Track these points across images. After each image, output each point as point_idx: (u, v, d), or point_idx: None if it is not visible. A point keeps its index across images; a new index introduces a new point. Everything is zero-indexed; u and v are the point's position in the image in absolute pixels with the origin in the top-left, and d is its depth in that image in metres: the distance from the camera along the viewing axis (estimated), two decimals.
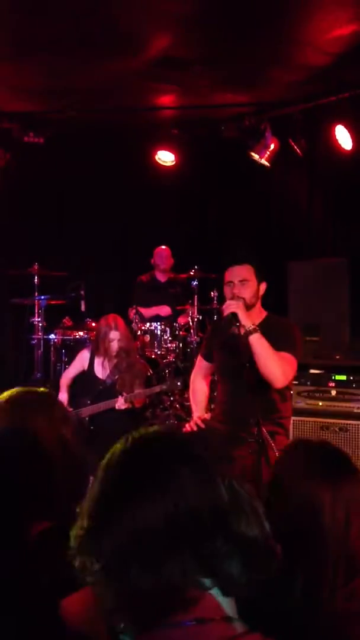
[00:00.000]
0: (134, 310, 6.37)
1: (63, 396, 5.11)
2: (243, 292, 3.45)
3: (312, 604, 1.41)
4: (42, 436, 1.65)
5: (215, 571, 0.98)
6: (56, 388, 5.43)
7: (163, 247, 6.94)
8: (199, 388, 3.91)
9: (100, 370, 4.93)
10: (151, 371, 5.96)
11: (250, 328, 3.26)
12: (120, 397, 4.68)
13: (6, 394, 1.88)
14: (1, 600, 1.33)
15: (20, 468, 1.54)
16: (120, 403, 4.66)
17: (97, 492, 1.02)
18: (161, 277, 6.97)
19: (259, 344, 3.27)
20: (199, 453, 1.05)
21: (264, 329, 3.51)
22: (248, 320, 3.28)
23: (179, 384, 4.99)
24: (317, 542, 1.45)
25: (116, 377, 4.88)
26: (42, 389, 2.06)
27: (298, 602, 1.41)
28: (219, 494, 1.00)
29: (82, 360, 5.09)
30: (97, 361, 4.95)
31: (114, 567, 0.95)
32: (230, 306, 3.30)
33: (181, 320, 6.63)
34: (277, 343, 3.37)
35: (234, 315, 3.33)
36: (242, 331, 3.27)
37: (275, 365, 3.31)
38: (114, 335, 4.83)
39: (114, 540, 0.96)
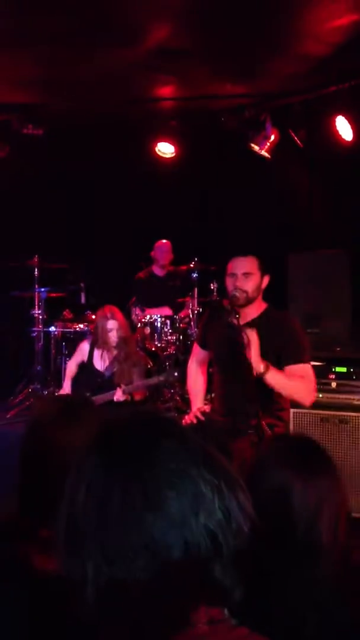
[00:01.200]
0: (133, 303, 6.37)
1: (67, 384, 5.13)
2: (246, 285, 3.44)
3: (279, 593, 1.43)
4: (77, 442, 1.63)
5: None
6: (57, 380, 5.46)
7: (164, 241, 6.92)
8: (197, 379, 3.91)
9: (100, 362, 4.94)
10: (151, 363, 5.96)
11: (262, 369, 3.23)
12: (118, 388, 4.69)
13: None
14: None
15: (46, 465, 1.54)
16: (119, 395, 4.66)
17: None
18: (159, 272, 6.96)
19: (275, 380, 3.27)
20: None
21: (263, 322, 3.51)
22: (259, 362, 3.23)
23: (176, 374, 5.00)
24: (285, 528, 1.48)
25: (115, 368, 4.88)
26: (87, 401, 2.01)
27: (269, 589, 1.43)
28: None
29: (81, 352, 5.10)
30: (97, 353, 4.96)
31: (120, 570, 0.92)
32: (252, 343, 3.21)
33: (182, 313, 6.62)
34: (284, 349, 3.39)
35: (233, 308, 3.33)
36: (255, 372, 3.21)
37: (298, 390, 3.37)
38: (112, 324, 4.83)
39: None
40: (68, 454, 1.52)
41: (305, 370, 3.41)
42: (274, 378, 3.26)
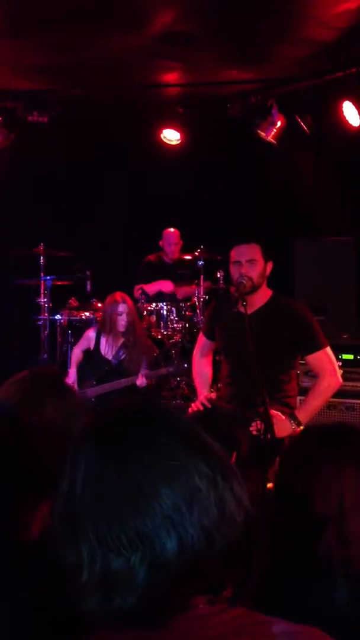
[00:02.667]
0: (140, 291, 6.36)
1: (72, 371, 5.13)
2: (251, 272, 3.44)
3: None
4: (50, 423, 1.62)
5: None
6: (63, 368, 5.46)
7: (171, 229, 6.86)
8: (202, 367, 3.92)
9: (107, 349, 4.93)
10: (157, 351, 5.95)
11: (298, 428, 3.29)
12: (141, 374, 4.67)
13: (22, 374, 1.84)
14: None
15: (22, 452, 1.52)
16: (142, 380, 4.65)
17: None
18: (168, 260, 6.93)
19: (311, 415, 3.40)
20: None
21: (271, 310, 3.50)
22: (289, 431, 3.30)
23: (185, 365, 4.98)
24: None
25: (122, 356, 4.87)
26: (55, 372, 1.99)
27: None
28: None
29: (88, 339, 5.09)
30: (103, 340, 4.95)
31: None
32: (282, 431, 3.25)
33: (186, 290, 6.60)
34: (298, 339, 3.46)
35: (240, 296, 3.33)
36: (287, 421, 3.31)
37: (327, 395, 3.49)
38: (122, 308, 4.82)
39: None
40: (38, 433, 1.54)
41: (323, 358, 3.45)
42: (309, 416, 3.37)
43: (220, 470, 0.98)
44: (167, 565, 0.91)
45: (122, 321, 4.84)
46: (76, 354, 5.19)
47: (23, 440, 1.51)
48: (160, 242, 6.91)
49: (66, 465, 1.00)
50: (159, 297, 6.62)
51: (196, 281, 6.59)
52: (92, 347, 5.03)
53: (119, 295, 4.91)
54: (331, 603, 1.42)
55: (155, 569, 0.91)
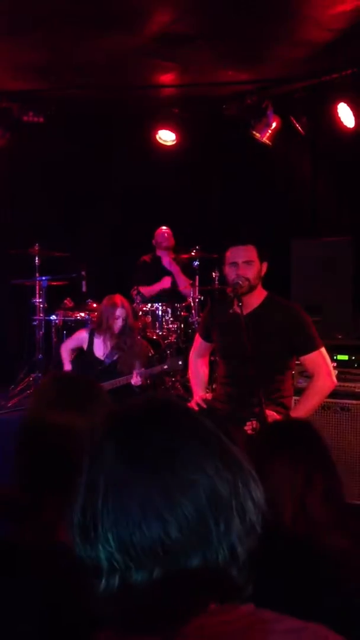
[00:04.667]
0: (135, 291, 6.36)
1: (68, 367, 5.12)
2: (248, 273, 3.44)
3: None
4: (77, 431, 1.61)
5: None
6: (58, 368, 5.44)
7: (164, 227, 6.90)
8: (198, 368, 3.91)
9: (100, 350, 4.92)
10: (152, 351, 5.95)
11: None
12: (135, 372, 4.68)
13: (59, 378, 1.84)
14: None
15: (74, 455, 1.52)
16: (137, 379, 4.66)
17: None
18: (164, 256, 6.94)
19: (306, 412, 3.39)
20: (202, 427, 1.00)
21: (266, 310, 3.51)
22: (276, 417, 3.28)
23: (180, 362, 4.98)
24: None
25: (115, 356, 4.87)
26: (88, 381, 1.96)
27: None
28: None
29: (79, 340, 5.08)
30: (97, 341, 4.94)
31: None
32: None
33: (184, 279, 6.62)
34: (294, 341, 3.45)
35: (236, 296, 3.34)
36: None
37: (322, 396, 3.49)
38: (120, 312, 4.82)
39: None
40: (67, 437, 1.53)
41: (318, 359, 3.46)
42: (304, 416, 3.34)
43: (241, 475, 0.96)
44: (189, 581, 0.89)
45: (118, 324, 4.84)
46: (66, 351, 5.19)
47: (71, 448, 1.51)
48: (153, 241, 6.92)
49: (85, 465, 0.97)
50: (157, 296, 6.61)
51: (191, 282, 6.59)
52: (85, 347, 5.02)
53: (118, 298, 4.90)
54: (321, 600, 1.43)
55: (178, 584, 0.89)
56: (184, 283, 6.67)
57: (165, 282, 6.66)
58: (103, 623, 0.94)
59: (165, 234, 6.84)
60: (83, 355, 5.05)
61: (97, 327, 4.96)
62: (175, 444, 0.95)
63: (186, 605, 0.90)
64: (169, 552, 0.89)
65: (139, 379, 4.68)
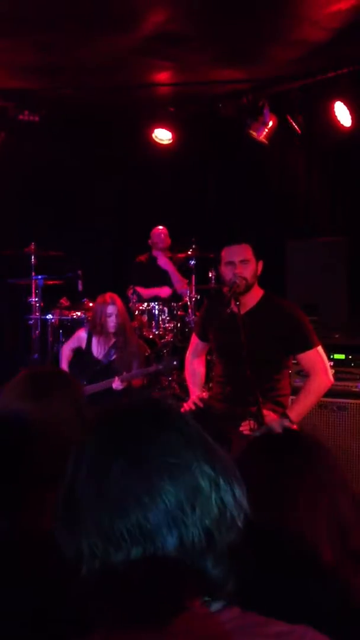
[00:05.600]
0: (131, 290, 6.35)
1: (64, 367, 5.11)
2: (245, 272, 3.44)
3: None
4: (58, 412, 1.63)
5: None
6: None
7: (160, 227, 6.90)
8: (195, 367, 3.91)
9: (98, 349, 4.92)
10: (149, 351, 5.95)
11: (286, 425, 3.28)
12: (116, 377, 4.67)
13: (25, 371, 1.86)
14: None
15: (36, 446, 1.52)
16: (117, 383, 4.65)
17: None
18: (160, 256, 6.93)
19: (303, 414, 3.40)
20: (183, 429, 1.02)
21: (263, 309, 3.51)
22: (273, 417, 3.30)
23: (175, 362, 4.98)
24: None
25: (113, 356, 4.87)
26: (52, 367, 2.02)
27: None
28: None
29: (78, 339, 5.08)
30: (95, 341, 4.94)
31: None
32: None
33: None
34: (290, 339, 3.45)
35: (233, 296, 3.34)
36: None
37: (319, 394, 3.49)
38: (112, 309, 4.82)
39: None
40: (43, 427, 1.54)
41: (315, 357, 3.46)
42: (300, 415, 3.37)
43: (223, 473, 0.99)
44: (167, 561, 0.92)
45: (111, 322, 4.83)
46: (65, 352, 5.18)
47: (33, 441, 1.51)
48: (149, 241, 6.92)
49: (70, 457, 1.01)
50: (154, 299, 6.61)
51: (187, 280, 6.59)
52: (83, 346, 5.01)
53: (108, 296, 4.91)
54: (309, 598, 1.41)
55: (155, 564, 0.92)
56: (180, 282, 6.67)
57: (164, 292, 6.66)
58: (92, 619, 0.95)
59: (162, 234, 6.83)
60: (81, 355, 5.04)
61: (92, 327, 4.96)
62: (158, 436, 0.99)
63: (169, 593, 0.92)
64: (146, 534, 0.92)
65: (119, 383, 4.66)
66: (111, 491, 0.94)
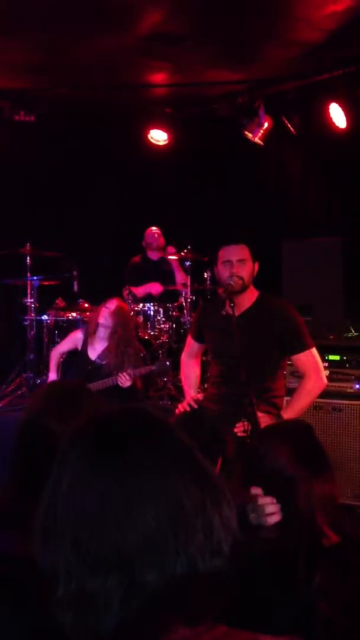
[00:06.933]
0: (127, 291, 6.34)
1: (52, 375, 5.09)
2: (242, 272, 3.44)
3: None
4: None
5: None
6: (49, 368, 5.43)
7: (153, 228, 6.90)
8: (190, 369, 3.91)
9: (93, 351, 4.92)
10: (144, 352, 5.94)
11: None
12: (123, 373, 4.64)
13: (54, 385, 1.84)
14: None
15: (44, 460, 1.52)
16: (124, 380, 4.62)
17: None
18: (153, 256, 6.93)
19: (297, 412, 3.39)
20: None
21: (259, 310, 3.51)
22: (267, 418, 3.27)
23: (167, 364, 4.97)
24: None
25: (105, 359, 4.86)
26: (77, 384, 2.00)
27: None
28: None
29: (74, 340, 5.07)
30: (91, 342, 4.93)
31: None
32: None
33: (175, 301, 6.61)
34: (285, 339, 3.45)
35: (228, 296, 3.33)
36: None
37: (313, 395, 3.48)
38: (108, 322, 4.81)
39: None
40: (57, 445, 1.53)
41: (309, 359, 3.46)
42: (295, 416, 3.36)
43: (211, 493, 0.93)
44: (145, 591, 0.86)
45: (102, 329, 4.83)
46: (55, 356, 5.16)
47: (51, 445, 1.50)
48: (143, 242, 6.92)
49: (54, 466, 0.96)
50: (149, 296, 6.61)
51: (183, 282, 6.59)
52: (79, 347, 5.01)
53: (112, 303, 4.88)
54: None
55: (133, 594, 0.86)
56: (182, 279, 6.66)
57: (155, 288, 6.65)
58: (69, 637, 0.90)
59: (155, 234, 6.84)
60: (76, 356, 5.03)
61: (90, 329, 4.95)
62: (143, 452, 0.93)
63: (148, 624, 0.86)
64: (124, 561, 0.86)
65: (126, 380, 4.65)
66: (89, 509, 0.89)
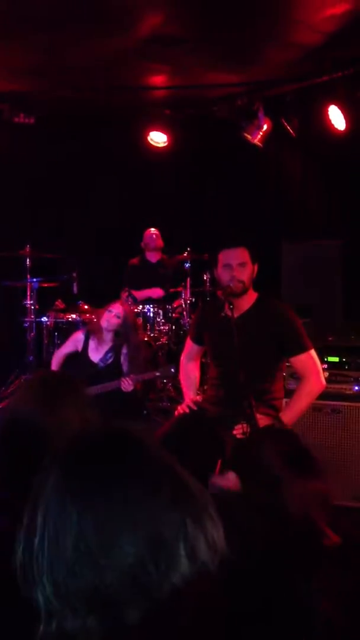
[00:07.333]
0: (126, 293, 6.35)
1: None
2: (242, 275, 3.45)
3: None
4: (67, 421, 1.64)
5: None
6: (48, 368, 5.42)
7: (152, 229, 6.91)
8: (189, 371, 3.91)
9: (95, 353, 4.91)
10: (147, 350, 5.95)
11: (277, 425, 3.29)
12: (126, 378, 4.63)
13: (38, 375, 1.87)
14: None
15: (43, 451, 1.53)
16: (127, 384, 4.62)
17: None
18: (152, 258, 6.94)
19: (296, 417, 3.40)
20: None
21: (257, 312, 3.51)
22: (266, 420, 3.28)
23: (172, 370, 4.95)
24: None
25: (110, 360, 4.85)
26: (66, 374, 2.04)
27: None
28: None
29: (75, 341, 5.06)
30: (92, 344, 4.92)
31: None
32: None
33: (174, 303, 6.61)
34: (284, 341, 3.45)
35: (227, 299, 3.34)
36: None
37: (312, 396, 3.48)
38: (112, 325, 4.80)
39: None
40: (55, 435, 1.55)
41: (308, 361, 3.46)
42: (294, 418, 3.37)
43: (193, 514, 0.89)
44: (127, 631, 0.83)
45: (108, 333, 4.83)
46: (58, 358, 5.16)
47: (42, 444, 1.52)
48: (142, 243, 6.93)
49: (31, 495, 0.91)
50: (147, 300, 6.62)
51: (182, 284, 6.60)
52: (79, 349, 5.00)
53: (116, 306, 4.88)
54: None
55: (113, 633, 0.82)
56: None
57: (156, 292, 6.67)
58: None
59: (153, 235, 6.86)
60: (77, 357, 5.02)
61: (91, 330, 4.95)
62: (119, 480, 0.89)
63: None
64: (103, 600, 0.83)
65: (129, 385, 4.64)
66: (65, 549, 0.84)
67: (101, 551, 0.84)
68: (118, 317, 4.80)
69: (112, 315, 4.80)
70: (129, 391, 4.64)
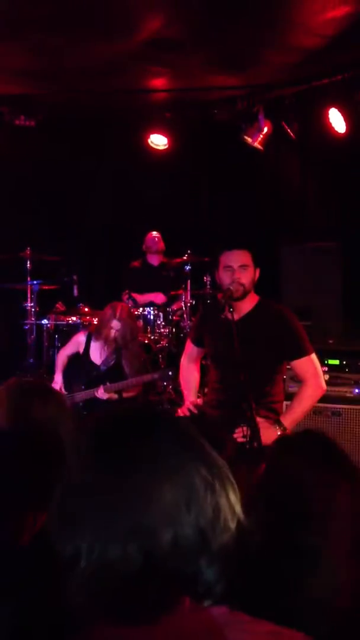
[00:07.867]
0: (126, 295, 6.36)
1: (58, 377, 5.09)
2: (243, 278, 3.44)
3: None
4: (40, 424, 1.65)
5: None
6: (49, 372, 5.43)
7: (154, 232, 6.93)
8: (189, 373, 3.91)
9: (97, 355, 4.91)
10: (144, 356, 5.95)
11: (280, 433, 3.27)
12: (101, 386, 4.64)
13: (8, 383, 1.89)
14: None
15: (19, 458, 1.54)
16: (101, 393, 4.62)
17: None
18: (153, 261, 6.95)
19: (296, 421, 3.39)
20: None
21: (258, 315, 3.52)
22: (274, 437, 3.20)
23: (170, 373, 4.95)
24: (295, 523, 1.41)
25: (112, 362, 4.85)
26: (36, 378, 2.09)
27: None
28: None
29: (77, 343, 5.06)
30: (94, 346, 4.92)
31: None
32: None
33: (175, 306, 6.62)
34: (285, 345, 3.45)
35: (228, 302, 3.34)
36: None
37: (312, 401, 3.48)
38: (116, 325, 4.80)
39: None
40: (21, 441, 1.57)
41: (308, 364, 3.47)
42: (294, 422, 3.37)
43: (219, 477, 1.00)
44: (162, 557, 0.93)
45: (112, 335, 4.83)
46: (62, 358, 5.15)
47: (18, 453, 1.54)
48: (143, 246, 6.94)
49: (65, 461, 1.02)
50: (149, 304, 6.62)
51: (183, 286, 6.60)
52: (81, 351, 5.00)
53: (118, 308, 4.88)
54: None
55: (151, 560, 0.93)
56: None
57: (158, 297, 6.68)
58: (81, 614, 0.97)
59: (155, 238, 6.87)
60: (79, 360, 5.02)
61: (94, 332, 4.95)
62: (154, 442, 1.00)
63: (161, 590, 0.94)
64: (143, 533, 0.94)
65: (104, 392, 4.64)
66: (108, 494, 0.96)
67: (143, 498, 0.95)
68: (119, 331, 4.80)
69: (115, 318, 4.81)
70: (103, 399, 4.63)
